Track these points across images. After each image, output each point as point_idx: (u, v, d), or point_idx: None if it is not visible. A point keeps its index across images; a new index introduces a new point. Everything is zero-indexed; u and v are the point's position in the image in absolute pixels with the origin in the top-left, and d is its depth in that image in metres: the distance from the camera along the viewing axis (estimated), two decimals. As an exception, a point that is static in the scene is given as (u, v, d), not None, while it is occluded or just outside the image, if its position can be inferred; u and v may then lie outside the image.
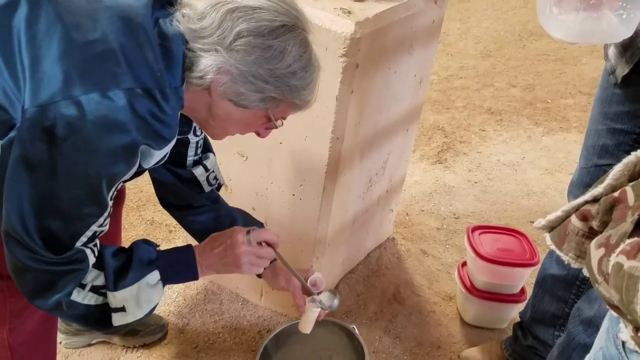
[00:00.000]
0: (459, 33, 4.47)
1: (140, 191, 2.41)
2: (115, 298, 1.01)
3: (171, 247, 1.14)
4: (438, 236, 2.36)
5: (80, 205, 0.91)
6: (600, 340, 0.85)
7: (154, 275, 1.06)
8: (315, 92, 1.05)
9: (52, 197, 0.88)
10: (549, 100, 3.54)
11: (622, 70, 1.22)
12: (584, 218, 0.81)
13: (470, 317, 1.94)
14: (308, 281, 1.29)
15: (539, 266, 1.65)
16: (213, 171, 1.34)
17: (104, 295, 1.02)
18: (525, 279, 1.86)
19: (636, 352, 0.69)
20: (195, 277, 1.12)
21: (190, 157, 1.28)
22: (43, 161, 0.86)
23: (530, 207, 2.58)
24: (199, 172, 1.31)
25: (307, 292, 1.30)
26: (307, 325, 1.28)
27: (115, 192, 0.96)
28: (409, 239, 2.32)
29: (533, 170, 2.86)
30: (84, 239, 0.95)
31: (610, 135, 1.31)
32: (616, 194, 0.75)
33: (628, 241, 0.67)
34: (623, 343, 0.72)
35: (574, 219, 0.83)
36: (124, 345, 1.73)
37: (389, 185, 2.03)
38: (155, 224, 2.25)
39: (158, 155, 0.99)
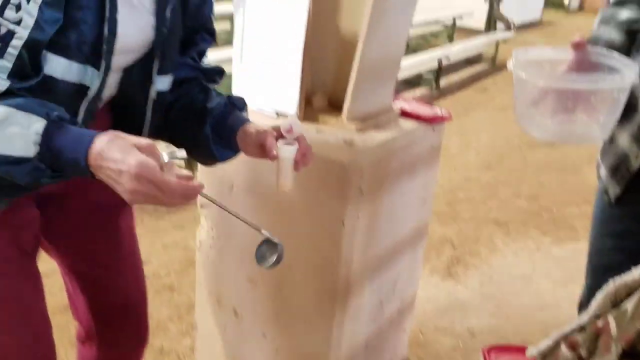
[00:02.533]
0: (460, 146, 4.62)
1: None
2: None
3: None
4: (455, 356, 2.29)
5: None
6: None
7: (39, 124, 0.85)
8: None
9: None
10: (555, 210, 3.58)
11: (615, 191, 1.26)
12: (572, 347, 0.82)
13: None
14: (282, 127, 1.11)
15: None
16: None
17: None
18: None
19: None
20: (82, 157, 0.87)
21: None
22: None
23: (546, 321, 2.53)
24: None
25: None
26: (285, 180, 1.11)
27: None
28: (425, 360, 2.25)
29: (545, 282, 2.83)
30: None
31: (614, 254, 1.32)
32: (600, 323, 0.77)
33: None
34: None
35: (564, 349, 0.84)
36: None
37: (401, 305, 2.02)
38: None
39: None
